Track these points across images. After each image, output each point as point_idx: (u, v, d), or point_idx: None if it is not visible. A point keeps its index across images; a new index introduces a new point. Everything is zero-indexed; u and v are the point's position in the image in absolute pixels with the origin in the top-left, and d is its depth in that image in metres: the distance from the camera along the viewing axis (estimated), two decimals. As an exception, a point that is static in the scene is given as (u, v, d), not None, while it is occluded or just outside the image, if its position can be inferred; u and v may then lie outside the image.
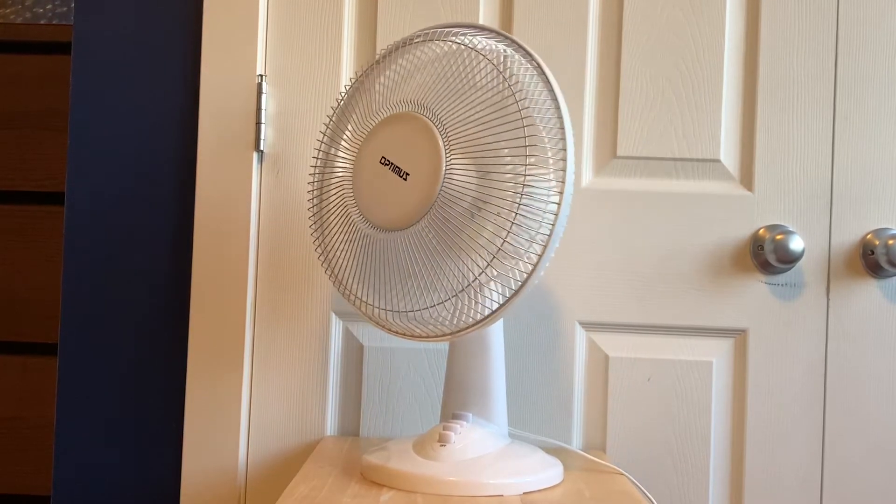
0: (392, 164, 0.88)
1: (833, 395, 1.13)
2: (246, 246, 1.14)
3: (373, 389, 1.15)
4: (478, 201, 0.85)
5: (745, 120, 1.15)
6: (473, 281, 0.85)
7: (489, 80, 0.86)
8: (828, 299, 1.13)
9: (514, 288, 0.85)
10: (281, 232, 1.16)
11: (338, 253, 0.93)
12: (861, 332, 1.13)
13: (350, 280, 0.93)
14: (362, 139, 0.91)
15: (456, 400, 0.95)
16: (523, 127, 0.84)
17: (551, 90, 0.87)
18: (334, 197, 0.94)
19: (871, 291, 1.13)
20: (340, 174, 0.94)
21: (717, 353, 1.14)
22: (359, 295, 0.92)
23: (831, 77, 1.14)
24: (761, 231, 1.13)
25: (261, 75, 1.15)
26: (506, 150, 0.84)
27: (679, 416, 1.13)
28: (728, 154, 1.15)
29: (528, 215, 0.84)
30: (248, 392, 1.14)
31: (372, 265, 0.90)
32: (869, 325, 1.13)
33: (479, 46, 0.88)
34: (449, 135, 0.85)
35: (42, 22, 1.49)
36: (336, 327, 1.15)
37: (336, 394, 1.15)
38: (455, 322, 0.87)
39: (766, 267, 1.13)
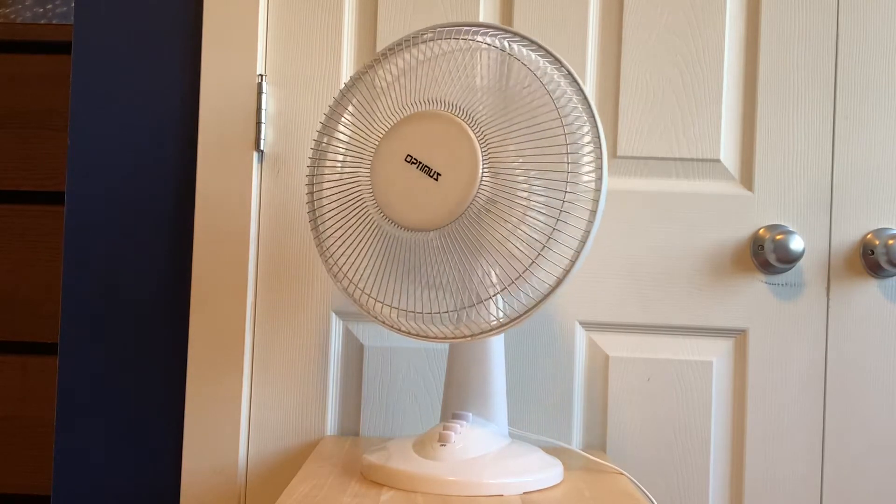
0: (420, 162, 0.86)
1: (833, 395, 1.13)
2: (246, 246, 1.14)
3: (373, 389, 1.15)
4: (522, 206, 0.86)
5: (745, 120, 1.15)
6: (510, 284, 0.85)
7: (526, 85, 0.86)
8: (828, 299, 1.13)
9: (544, 292, 0.87)
10: (281, 232, 1.16)
11: (349, 248, 0.92)
12: (861, 332, 1.13)
13: (360, 276, 0.91)
14: (377, 134, 0.90)
15: (456, 400, 0.95)
16: (564, 135, 0.85)
17: (584, 99, 0.88)
18: (347, 193, 0.93)
19: (871, 291, 1.13)
20: (351, 170, 0.93)
21: (717, 353, 1.14)
22: (370, 293, 0.91)
23: (831, 77, 1.14)
24: (761, 231, 1.13)
25: (261, 75, 1.15)
26: (547, 159, 0.86)
27: (679, 416, 1.13)
28: (728, 154, 1.15)
29: (569, 222, 0.86)
30: (248, 392, 1.14)
31: (391, 264, 0.89)
32: (869, 324, 1.13)
33: (515, 50, 0.88)
34: (486, 138, 0.85)
35: (42, 22, 1.49)
36: (336, 327, 1.15)
37: (336, 394, 1.15)
38: (478, 324, 0.87)
39: (766, 267, 1.13)
